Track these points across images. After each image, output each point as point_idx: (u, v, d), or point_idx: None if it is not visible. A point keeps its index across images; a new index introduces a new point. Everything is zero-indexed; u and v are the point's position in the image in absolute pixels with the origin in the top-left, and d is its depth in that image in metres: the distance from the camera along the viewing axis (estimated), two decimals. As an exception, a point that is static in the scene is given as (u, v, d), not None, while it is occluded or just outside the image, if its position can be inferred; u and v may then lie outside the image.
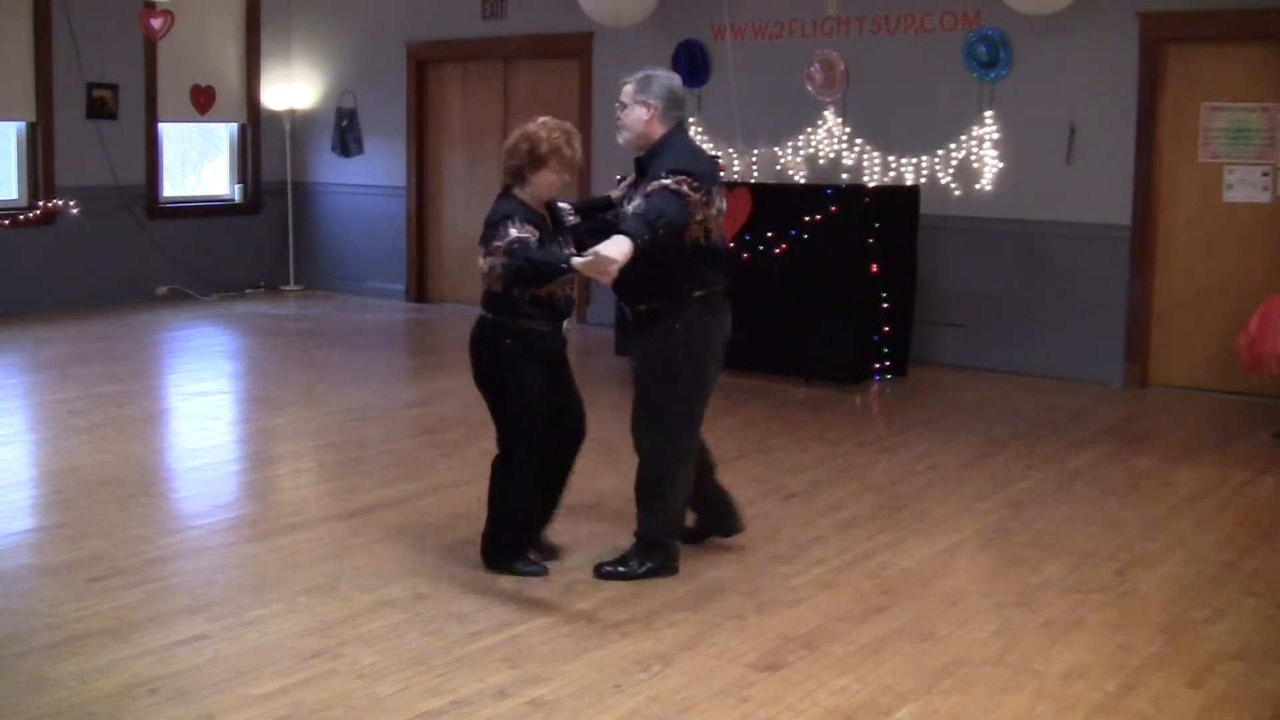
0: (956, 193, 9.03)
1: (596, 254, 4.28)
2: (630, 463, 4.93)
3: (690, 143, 4.95)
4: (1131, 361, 8.57)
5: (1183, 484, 6.29)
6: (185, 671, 3.96)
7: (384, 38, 11.90)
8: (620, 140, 4.94)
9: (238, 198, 12.46)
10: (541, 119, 4.79)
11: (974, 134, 8.95)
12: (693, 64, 9.88)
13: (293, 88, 12.50)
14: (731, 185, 8.42)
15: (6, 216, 10.69)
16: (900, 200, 8.74)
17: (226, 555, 5.09)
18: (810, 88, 9.49)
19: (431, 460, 6.55)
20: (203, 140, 12.53)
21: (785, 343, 8.33)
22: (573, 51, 10.82)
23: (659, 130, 4.81)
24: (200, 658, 4.07)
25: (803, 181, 9.54)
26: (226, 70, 12.16)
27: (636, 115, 4.82)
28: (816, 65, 9.43)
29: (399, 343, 10.60)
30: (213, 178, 12.55)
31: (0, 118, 10.80)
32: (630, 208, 4.77)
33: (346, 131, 12.31)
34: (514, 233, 4.58)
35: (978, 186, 8.96)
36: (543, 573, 4.84)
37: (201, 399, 8.02)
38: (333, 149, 12.42)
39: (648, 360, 4.80)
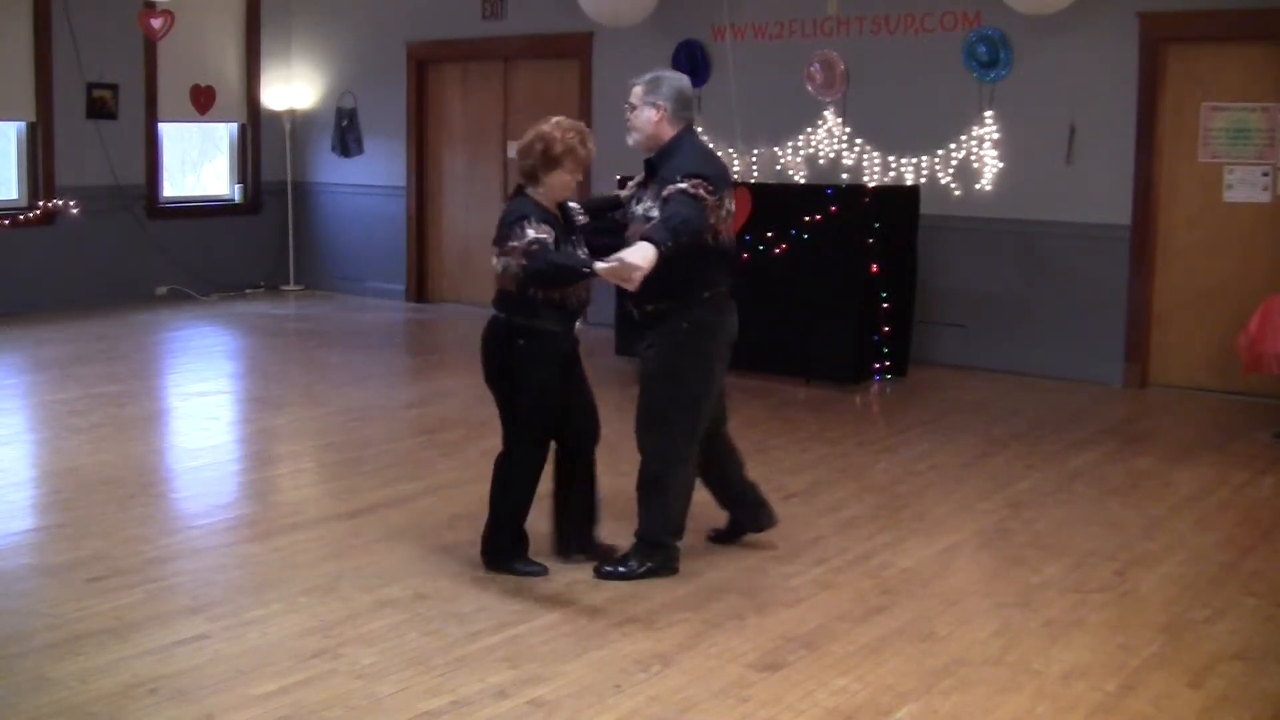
0: (956, 193, 9.03)
1: (621, 260, 4.29)
2: (631, 463, 4.93)
3: (701, 145, 4.95)
4: (1131, 361, 8.57)
5: (1183, 484, 6.29)
6: (185, 671, 3.97)
7: (384, 38, 11.90)
8: (630, 142, 4.94)
9: (238, 198, 12.46)
10: (555, 119, 4.78)
11: (974, 134, 8.95)
12: (693, 64, 9.88)
13: (293, 88, 12.50)
14: (732, 185, 8.42)
15: (6, 216, 10.69)
16: (900, 200, 8.74)
17: (226, 555, 5.09)
18: (810, 88, 9.49)
19: (431, 460, 6.55)
20: (203, 140, 12.54)
21: (785, 343, 8.33)
22: (573, 51, 10.82)
23: (669, 132, 4.82)
24: (200, 658, 4.07)
25: (803, 181, 9.54)
26: (226, 70, 12.16)
27: (646, 117, 4.83)
28: (816, 65, 9.43)
29: (399, 343, 10.60)
30: (213, 178, 12.55)
31: (0, 118, 10.81)
32: (639, 208, 4.78)
33: (346, 131, 12.31)
34: (531, 233, 4.57)
35: (978, 186, 8.96)
36: (543, 573, 4.84)
37: (201, 399, 8.02)
38: (333, 149, 12.42)
39: (654, 359, 4.80)
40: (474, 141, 11.72)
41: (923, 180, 9.09)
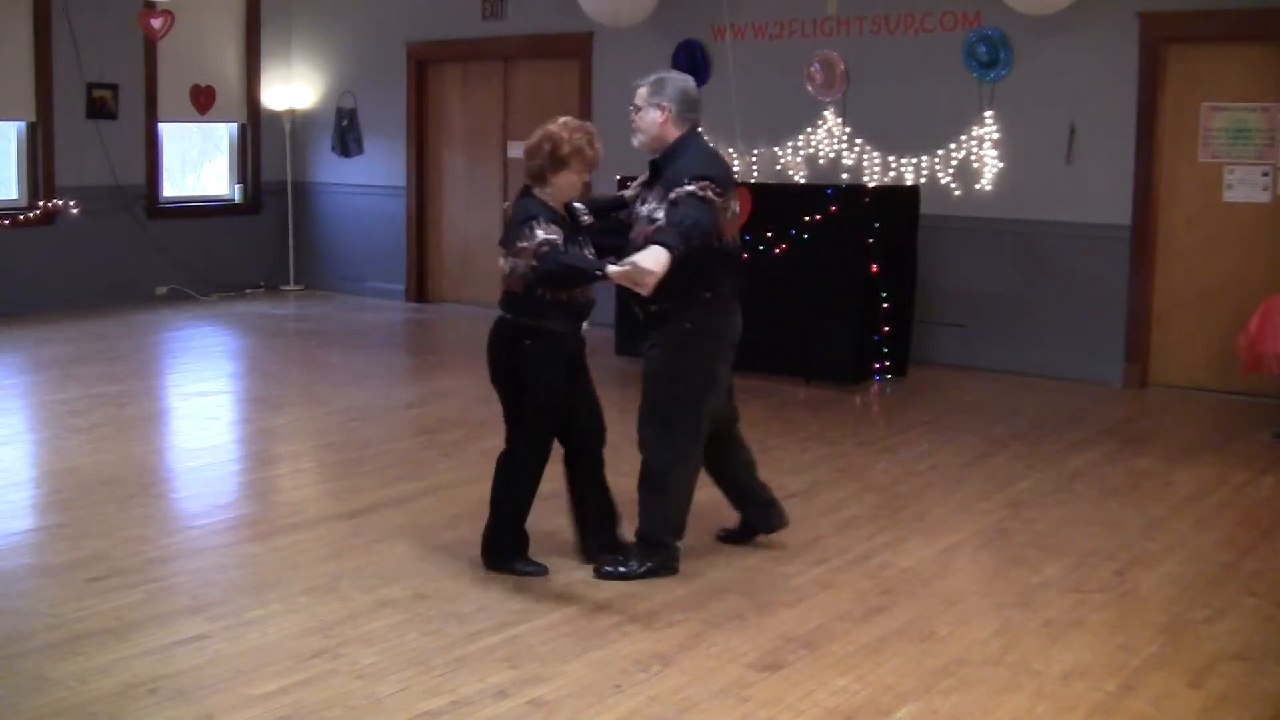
0: (956, 193, 9.03)
1: (634, 265, 4.29)
2: (632, 463, 4.93)
3: (706, 146, 4.95)
4: (1131, 361, 8.58)
5: (1183, 484, 6.29)
6: (185, 671, 3.97)
7: (384, 38, 11.90)
8: (635, 143, 4.94)
9: (238, 198, 12.46)
10: (563, 119, 4.78)
11: (974, 134, 8.95)
12: (693, 64, 9.88)
13: (293, 88, 12.50)
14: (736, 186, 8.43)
15: (6, 216, 10.69)
16: (900, 200, 8.74)
17: (226, 555, 5.09)
18: (810, 88, 9.50)
19: (431, 460, 6.55)
20: (203, 140, 12.54)
21: (785, 343, 8.33)
22: (573, 51, 10.82)
23: (674, 133, 4.82)
24: (200, 658, 4.07)
25: (803, 181, 9.54)
26: (226, 70, 12.16)
27: (651, 118, 4.83)
28: (816, 65, 9.43)
29: (399, 343, 10.60)
30: (213, 178, 12.55)
31: (0, 118, 10.81)
32: (644, 209, 4.78)
33: (346, 131, 12.31)
34: (541, 234, 4.56)
35: (978, 186, 8.96)
36: (543, 573, 4.84)
37: (201, 399, 8.02)
38: (333, 149, 12.42)
39: (657, 359, 4.81)
40: (474, 141, 11.72)
41: (923, 180, 9.09)
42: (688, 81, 4.92)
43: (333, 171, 12.48)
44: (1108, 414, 7.83)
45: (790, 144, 9.65)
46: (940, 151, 9.08)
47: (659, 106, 4.81)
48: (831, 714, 3.77)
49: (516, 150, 11.34)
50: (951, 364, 9.09)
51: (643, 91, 4.86)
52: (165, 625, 4.32)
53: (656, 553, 4.84)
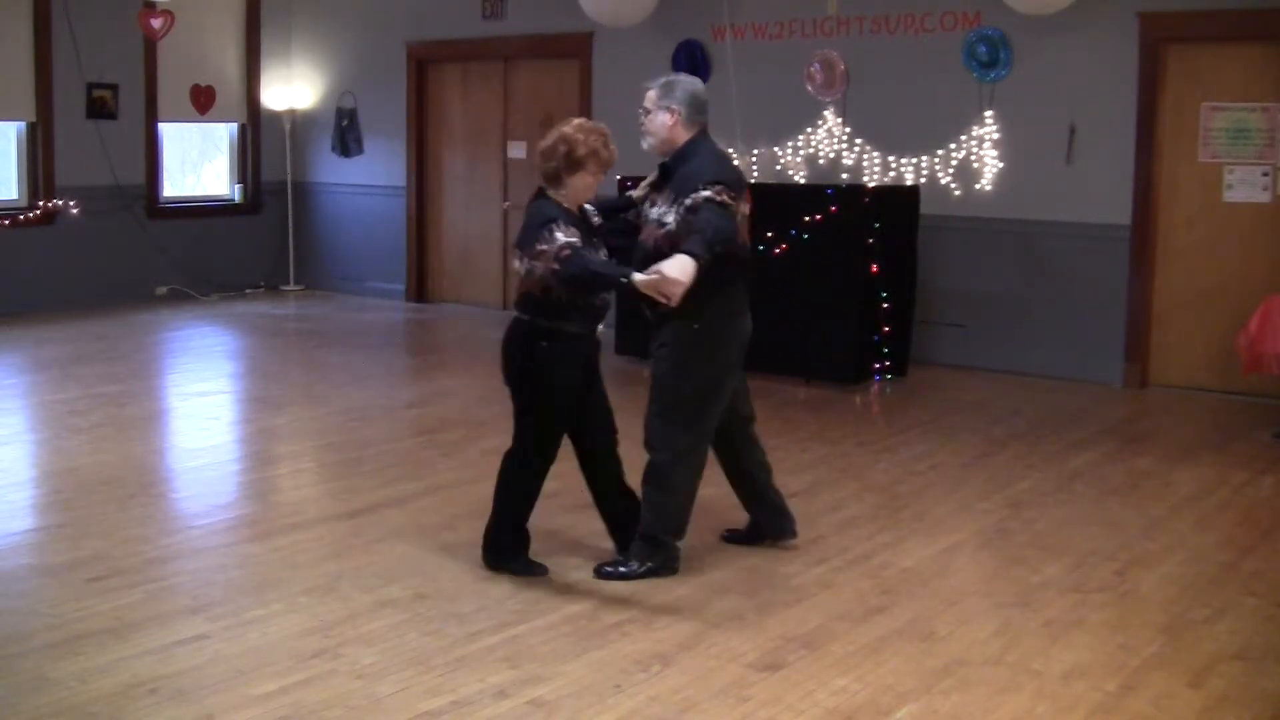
0: (956, 193, 9.03)
1: (661, 274, 4.29)
2: (633, 463, 4.93)
3: (717, 149, 4.95)
4: (1131, 361, 8.58)
5: (1183, 484, 6.29)
6: (185, 671, 3.97)
7: (384, 38, 11.90)
8: (644, 146, 4.94)
9: (238, 198, 12.46)
10: (576, 121, 4.78)
11: (974, 134, 8.95)
12: (693, 64, 9.88)
13: (293, 88, 12.50)
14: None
15: (6, 216, 10.69)
16: (900, 200, 8.74)
17: (226, 555, 5.09)
18: (810, 88, 9.50)
19: (431, 460, 6.55)
20: (203, 140, 12.54)
21: (785, 343, 8.32)
22: (573, 51, 10.82)
23: (683, 136, 4.83)
24: (200, 658, 4.07)
25: (803, 181, 9.55)
26: (226, 70, 12.16)
27: (661, 121, 4.84)
28: (816, 65, 9.43)
29: (399, 343, 10.60)
30: (213, 178, 12.55)
31: (0, 118, 10.81)
32: (654, 211, 4.79)
33: (346, 131, 12.31)
34: (561, 237, 4.55)
35: (978, 186, 8.96)
36: (543, 572, 4.84)
37: (201, 399, 8.02)
38: (333, 149, 12.42)
39: (665, 359, 4.82)
40: (474, 141, 11.72)
41: (923, 180, 9.09)
42: (697, 84, 4.92)
43: (333, 171, 12.48)
44: (1108, 414, 7.83)
45: (790, 144, 9.65)
46: (940, 151, 9.08)
47: (668, 109, 4.82)
48: (831, 714, 3.77)
49: (516, 150, 11.37)
50: (951, 364, 9.09)
51: (652, 94, 4.87)
52: (165, 625, 4.32)
53: (657, 552, 4.84)
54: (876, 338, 8.48)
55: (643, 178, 5.17)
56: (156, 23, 10.83)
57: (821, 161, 9.55)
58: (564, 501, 5.50)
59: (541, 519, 5.04)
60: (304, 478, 6.43)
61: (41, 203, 10.88)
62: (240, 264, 12.36)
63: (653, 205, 4.85)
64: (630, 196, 5.13)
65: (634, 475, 4.92)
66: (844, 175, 9.39)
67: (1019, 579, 4.93)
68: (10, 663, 4.02)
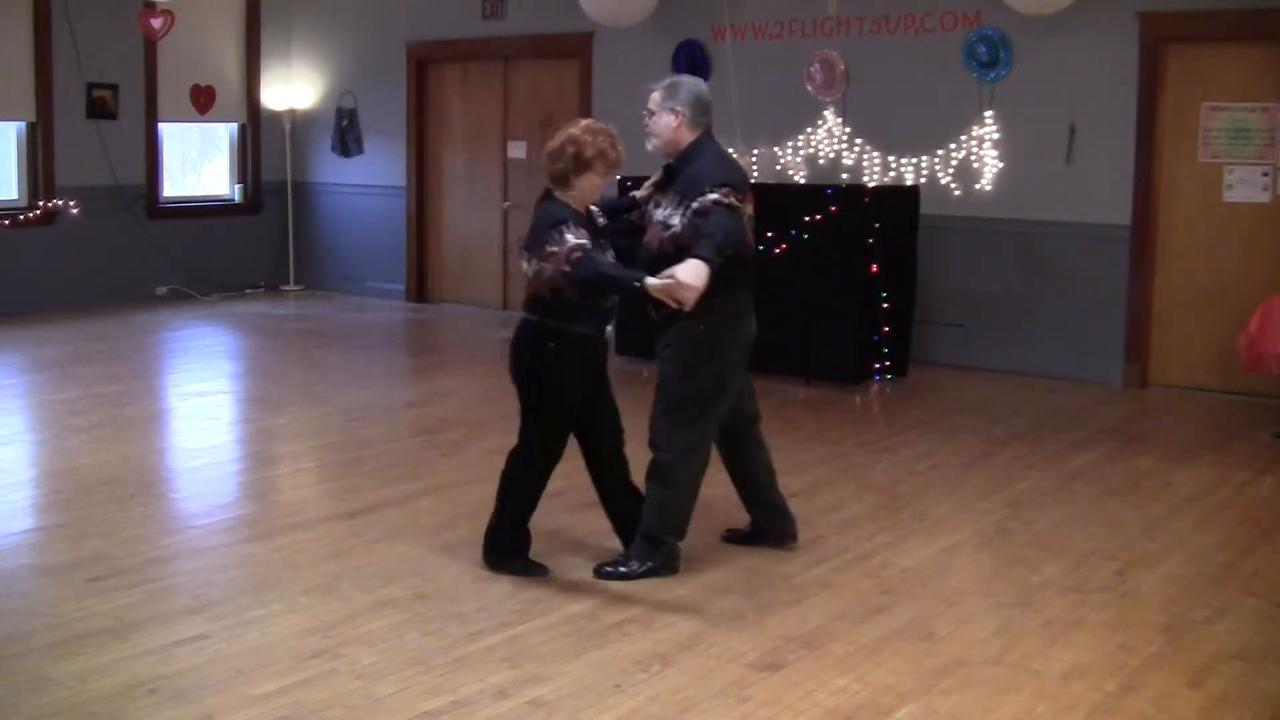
0: (956, 193, 9.03)
1: (674, 278, 4.29)
2: (635, 463, 4.93)
3: (721, 150, 4.95)
4: (1131, 361, 8.58)
5: (1183, 484, 6.29)
6: (185, 671, 3.97)
7: (384, 38, 11.90)
8: (649, 147, 4.95)
9: (238, 198, 12.46)
10: (584, 122, 4.78)
11: (974, 134, 8.95)
12: (693, 64, 9.88)
13: (293, 88, 12.50)
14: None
15: (6, 216, 10.69)
16: (900, 200, 8.74)
17: (226, 555, 5.09)
18: (810, 88, 9.50)
19: (431, 460, 6.55)
20: (203, 140, 12.54)
21: (785, 343, 8.30)
22: (573, 51, 10.82)
23: (687, 137, 4.84)
24: (200, 658, 4.07)
25: (803, 181, 9.55)
26: (226, 70, 12.16)
27: (665, 122, 4.84)
28: (816, 65, 9.43)
29: (399, 343, 10.60)
30: (213, 178, 12.55)
31: (0, 118, 10.81)
32: (659, 212, 4.79)
33: (346, 131, 12.31)
34: (571, 239, 4.54)
35: (978, 186, 8.96)
36: (543, 572, 4.84)
37: (201, 399, 8.02)
38: (333, 149, 12.42)
39: (670, 359, 4.82)
40: (474, 141, 11.72)
41: (923, 180, 9.09)
42: (700, 86, 4.92)
43: (333, 171, 12.48)
44: (1108, 414, 7.83)
45: (790, 144, 9.65)
46: (940, 151, 9.08)
47: (673, 111, 4.82)
48: (831, 714, 3.77)
49: (516, 150, 11.37)
50: (951, 364, 9.09)
51: (656, 96, 4.87)
52: (165, 625, 4.32)
53: (657, 552, 4.84)
54: (876, 338, 8.48)
55: (644, 178, 5.16)
56: (156, 23, 10.83)
57: (821, 161, 9.55)
58: (568, 500, 5.51)
59: (544, 518, 5.04)
60: (304, 478, 6.43)
61: (41, 203, 10.88)
62: (240, 264, 12.36)
63: (657, 206, 4.85)
64: (633, 197, 5.13)
65: (638, 474, 4.92)
66: (844, 175, 9.39)
67: (1019, 579, 4.93)
68: (10, 663, 4.02)
